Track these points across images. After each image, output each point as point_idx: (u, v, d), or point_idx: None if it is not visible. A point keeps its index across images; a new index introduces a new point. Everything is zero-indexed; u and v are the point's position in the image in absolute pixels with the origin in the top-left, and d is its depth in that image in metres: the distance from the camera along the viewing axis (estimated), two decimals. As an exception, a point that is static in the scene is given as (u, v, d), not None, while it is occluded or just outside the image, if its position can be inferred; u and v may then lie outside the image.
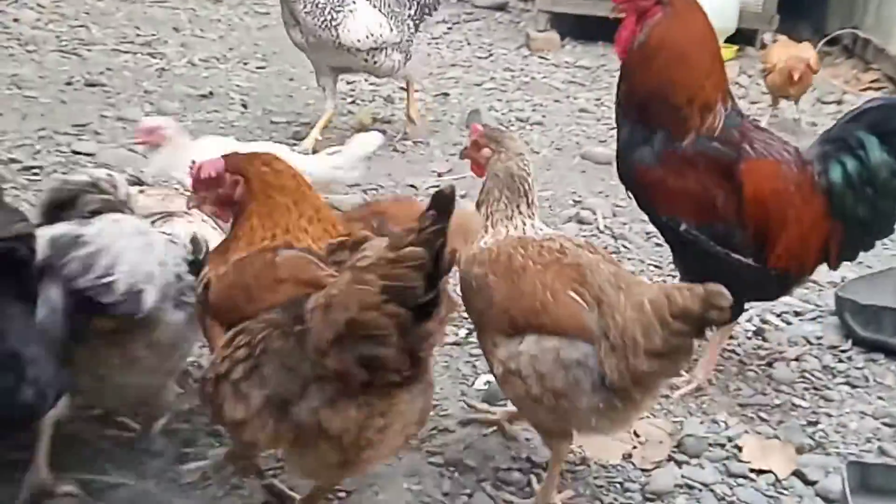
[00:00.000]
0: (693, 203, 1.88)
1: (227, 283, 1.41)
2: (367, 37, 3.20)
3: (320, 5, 3.13)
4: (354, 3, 3.18)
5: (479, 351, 1.83)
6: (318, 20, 3.14)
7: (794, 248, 1.88)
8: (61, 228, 1.43)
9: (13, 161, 3.02)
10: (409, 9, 3.40)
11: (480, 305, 1.58)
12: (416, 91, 3.78)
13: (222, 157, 1.52)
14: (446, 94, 4.32)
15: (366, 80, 4.16)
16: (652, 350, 1.38)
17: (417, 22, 3.44)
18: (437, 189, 1.21)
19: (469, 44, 5.27)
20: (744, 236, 1.89)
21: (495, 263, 1.57)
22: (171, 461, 1.68)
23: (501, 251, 1.58)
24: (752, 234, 1.89)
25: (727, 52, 4.52)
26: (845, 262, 2.04)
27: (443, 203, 1.14)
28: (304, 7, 3.14)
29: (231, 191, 1.48)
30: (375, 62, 3.31)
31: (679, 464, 1.81)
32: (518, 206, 1.62)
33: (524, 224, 1.62)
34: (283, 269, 1.37)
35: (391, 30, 3.27)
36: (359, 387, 1.24)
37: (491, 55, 5.10)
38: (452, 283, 1.49)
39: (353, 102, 4.07)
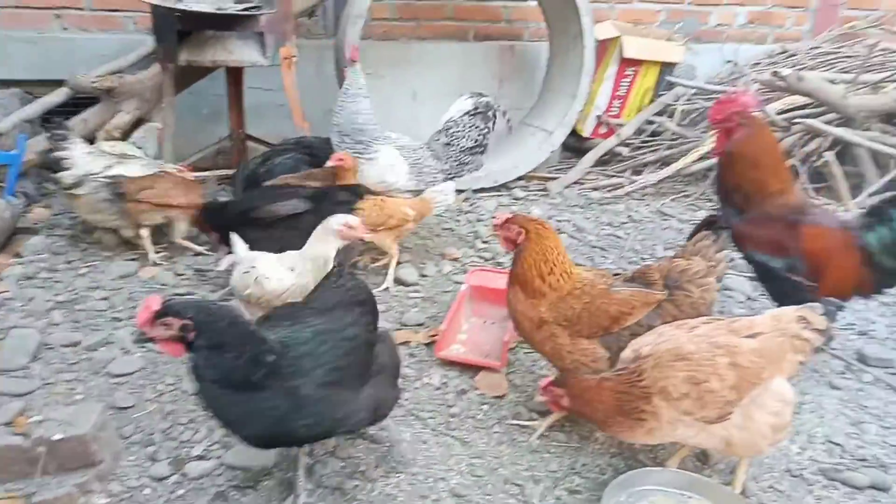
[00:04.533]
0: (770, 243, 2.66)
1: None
2: (380, 182, 3.51)
3: (352, 147, 3.48)
4: (377, 151, 3.49)
5: None
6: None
7: (837, 283, 2.59)
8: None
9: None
10: (444, 163, 3.68)
11: None
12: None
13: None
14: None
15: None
16: None
17: (451, 175, 3.71)
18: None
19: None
20: (804, 269, 2.61)
21: None
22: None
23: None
24: (810, 270, 2.60)
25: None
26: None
27: None
28: (341, 144, 3.49)
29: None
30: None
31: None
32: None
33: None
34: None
35: (407, 179, 3.54)
36: None
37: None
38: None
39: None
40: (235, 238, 2.82)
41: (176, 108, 4.26)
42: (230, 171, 4.39)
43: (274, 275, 2.64)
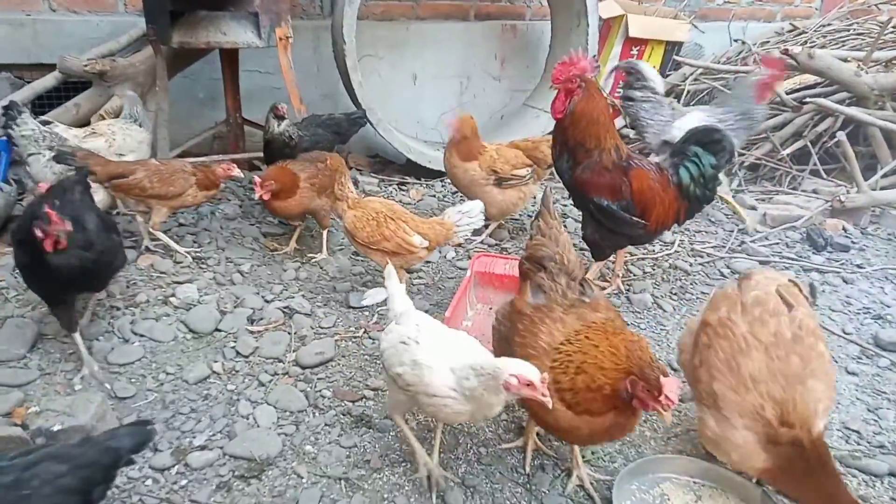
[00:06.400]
0: (609, 189, 2.98)
1: None
2: None
3: None
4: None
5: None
6: None
7: (661, 217, 3.02)
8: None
9: None
10: None
11: None
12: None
13: None
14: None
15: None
16: None
17: None
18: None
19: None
20: (635, 209, 2.99)
21: None
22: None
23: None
24: (639, 209, 2.99)
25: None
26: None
27: None
28: None
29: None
30: None
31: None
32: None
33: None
34: None
35: None
36: None
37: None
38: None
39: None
40: (391, 269, 2.33)
41: (170, 92, 4.16)
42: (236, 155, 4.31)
43: (437, 367, 1.88)
